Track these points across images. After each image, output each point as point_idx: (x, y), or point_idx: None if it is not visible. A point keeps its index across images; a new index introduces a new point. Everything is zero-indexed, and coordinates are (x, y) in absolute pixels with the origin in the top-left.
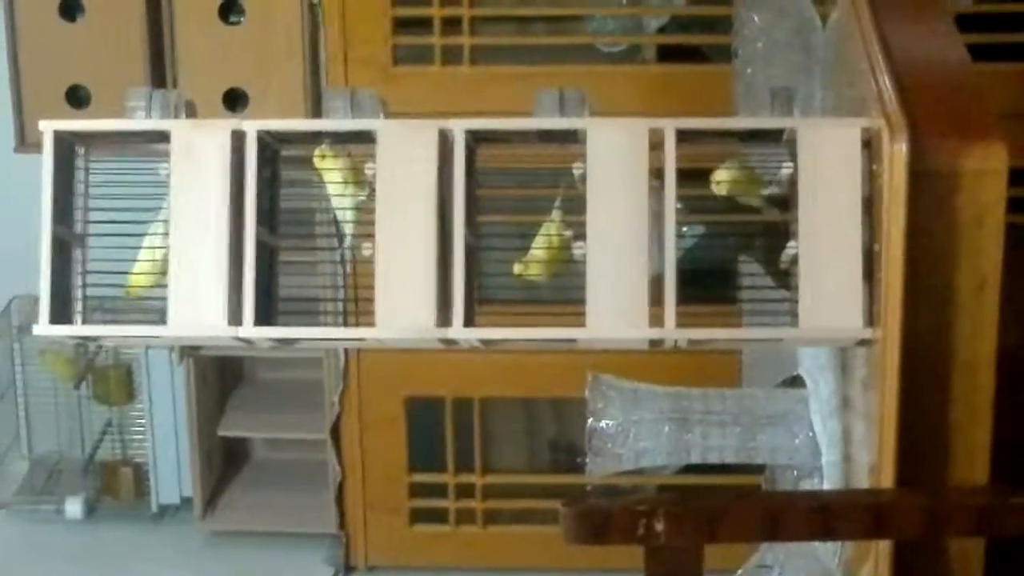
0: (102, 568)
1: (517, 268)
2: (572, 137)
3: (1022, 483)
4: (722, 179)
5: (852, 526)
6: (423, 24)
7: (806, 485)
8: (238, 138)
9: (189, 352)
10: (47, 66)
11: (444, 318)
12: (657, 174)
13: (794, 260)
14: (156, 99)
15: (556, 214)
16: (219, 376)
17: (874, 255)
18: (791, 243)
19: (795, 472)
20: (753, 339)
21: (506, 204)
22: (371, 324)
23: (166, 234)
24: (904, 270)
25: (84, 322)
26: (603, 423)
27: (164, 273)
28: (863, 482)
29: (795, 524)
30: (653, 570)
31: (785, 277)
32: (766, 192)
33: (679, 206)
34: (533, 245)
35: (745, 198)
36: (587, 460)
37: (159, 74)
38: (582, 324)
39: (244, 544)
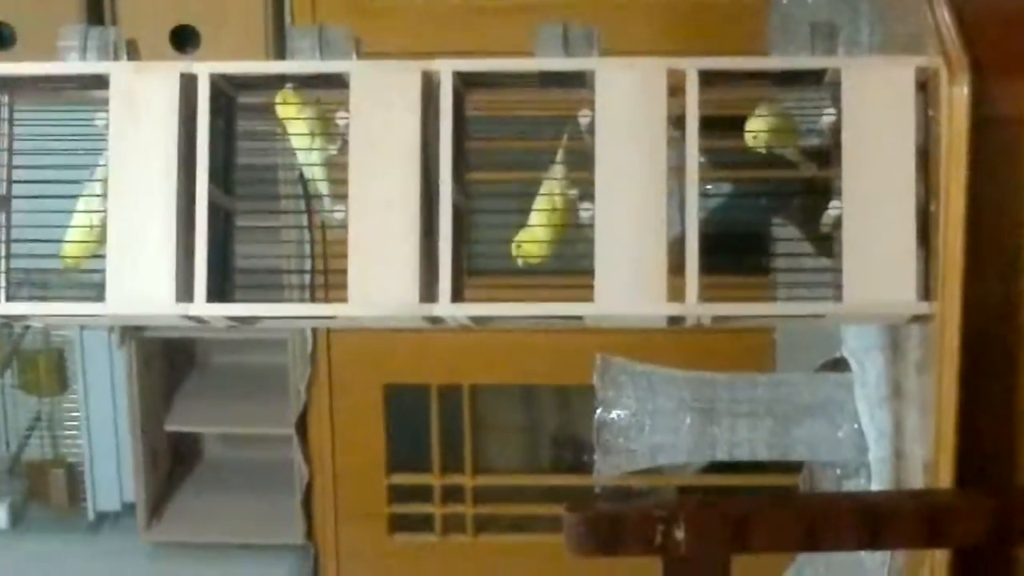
0: None
1: (519, 239)
2: (578, 80)
3: None
4: (759, 128)
5: (904, 533)
6: None
7: (851, 485)
8: (188, 83)
9: (131, 333)
10: None
11: (429, 292)
12: (677, 123)
13: (837, 223)
14: (92, 38)
15: (559, 170)
16: (166, 361)
17: (930, 216)
18: (833, 203)
19: (838, 470)
20: (789, 315)
21: (501, 159)
22: (343, 300)
23: (104, 195)
24: (965, 233)
25: (8, 299)
26: (614, 414)
27: (102, 241)
28: (917, 481)
29: (838, 531)
30: None
31: (826, 243)
32: (804, 144)
33: (702, 160)
34: (533, 207)
35: (784, 151)
36: (595, 458)
37: (96, 9)
38: (590, 298)
39: (195, 557)
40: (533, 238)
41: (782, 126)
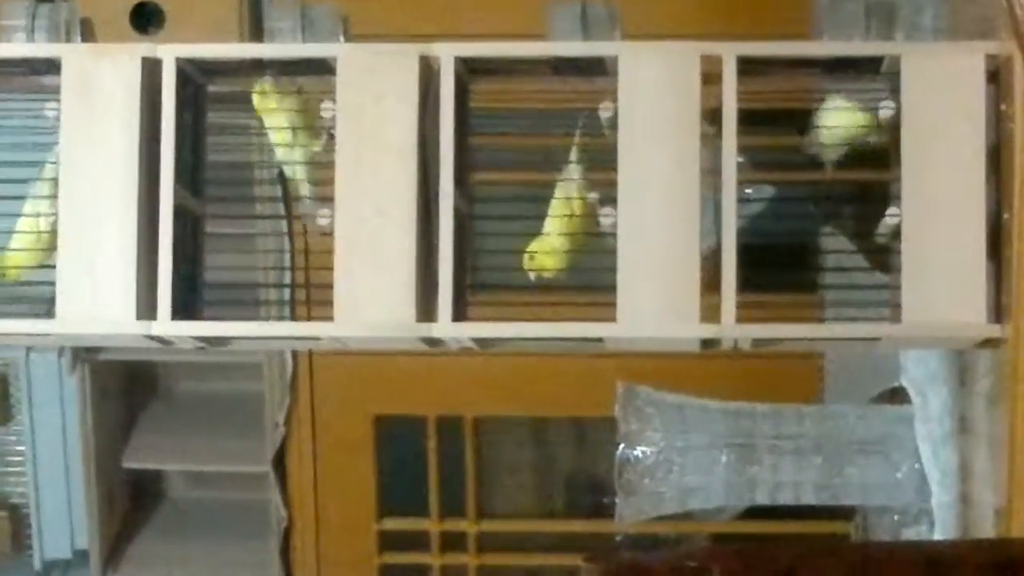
0: None
1: (531, 249)
2: (598, 67)
3: None
4: (838, 123)
5: None
6: None
7: (910, 534)
8: (151, 68)
9: (85, 356)
10: None
11: (426, 310)
12: (712, 117)
13: (895, 233)
14: (41, 16)
15: (576, 171)
16: (125, 388)
17: (1003, 226)
18: (891, 210)
19: (896, 516)
20: (839, 338)
21: (509, 158)
22: (329, 318)
23: (54, 197)
24: None
25: None
26: (638, 451)
27: (51, 249)
28: (986, 529)
29: None
30: None
31: (882, 256)
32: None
33: (741, 160)
34: (546, 213)
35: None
36: (616, 501)
37: None
38: (612, 318)
39: None
40: (547, 248)
41: (866, 120)
